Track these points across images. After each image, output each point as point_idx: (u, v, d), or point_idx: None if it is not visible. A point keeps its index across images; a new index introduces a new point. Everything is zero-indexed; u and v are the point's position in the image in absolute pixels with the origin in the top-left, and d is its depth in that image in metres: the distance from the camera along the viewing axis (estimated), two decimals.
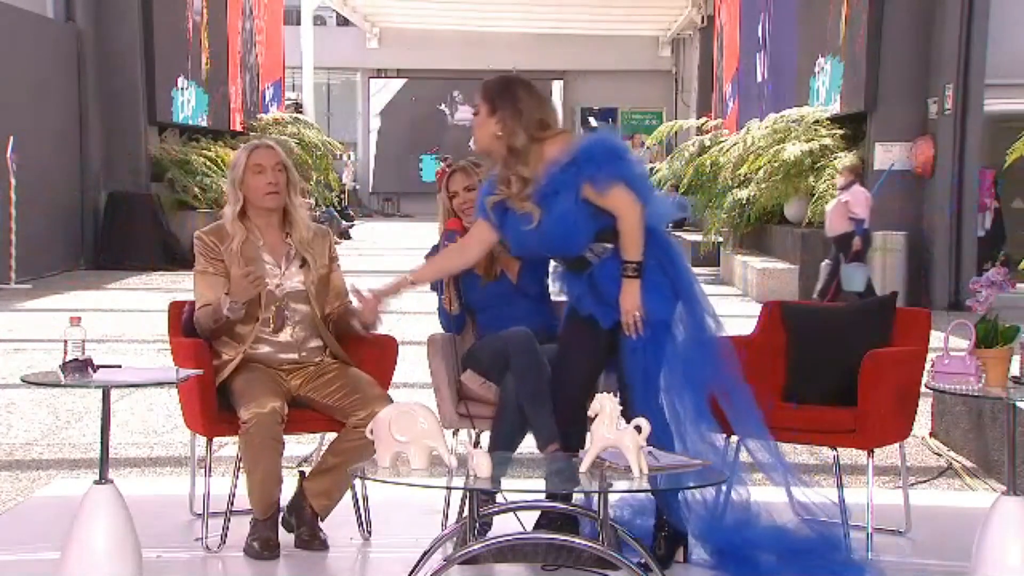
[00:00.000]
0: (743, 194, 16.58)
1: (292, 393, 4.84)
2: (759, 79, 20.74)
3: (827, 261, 13.60)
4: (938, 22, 13.93)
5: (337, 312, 5.02)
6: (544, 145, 4.43)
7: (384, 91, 36.96)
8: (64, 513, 4.54)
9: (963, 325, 4.46)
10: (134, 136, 18.43)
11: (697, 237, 20.77)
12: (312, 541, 4.78)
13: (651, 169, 21.19)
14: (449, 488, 4.33)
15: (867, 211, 13.20)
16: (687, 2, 28.90)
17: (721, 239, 18.62)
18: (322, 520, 4.82)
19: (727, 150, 17.67)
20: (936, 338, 4.98)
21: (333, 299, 5.02)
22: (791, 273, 14.89)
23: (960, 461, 6.76)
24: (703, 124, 22.09)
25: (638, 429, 3.82)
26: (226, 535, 4.76)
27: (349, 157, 34.51)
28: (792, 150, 15.62)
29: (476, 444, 4.98)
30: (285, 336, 4.90)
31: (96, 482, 4.25)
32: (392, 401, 4.68)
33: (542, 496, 4.22)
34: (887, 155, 14.49)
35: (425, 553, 4.10)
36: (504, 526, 4.56)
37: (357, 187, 36.18)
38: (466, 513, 4.14)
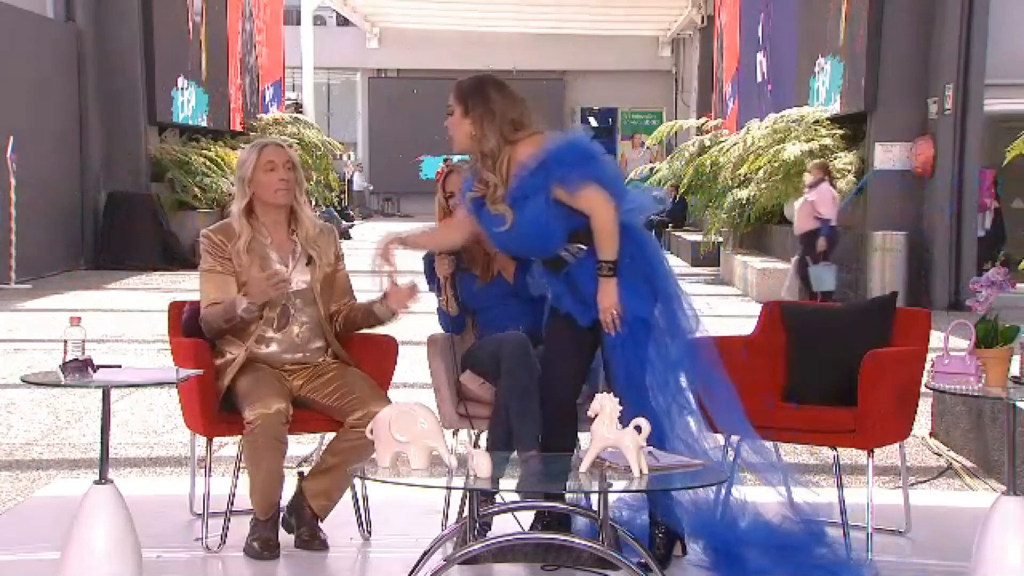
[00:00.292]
0: (743, 194, 16.58)
1: (294, 393, 4.84)
2: (759, 79, 20.75)
3: (796, 258, 13.67)
4: (938, 22, 13.93)
5: (343, 310, 5.01)
6: (516, 147, 4.44)
7: (384, 91, 36.94)
8: (64, 513, 4.54)
9: (963, 325, 4.46)
10: (134, 136, 18.44)
11: (697, 237, 20.78)
12: (312, 541, 4.78)
13: (651, 169, 21.22)
14: (449, 488, 4.33)
15: (833, 210, 13.22)
16: (687, 2, 28.90)
17: (721, 239, 18.63)
18: (321, 520, 4.81)
19: (727, 150, 17.67)
20: (936, 338, 4.98)
21: (338, 297, 5.02)
22: None
23: (960, 461, 6.76)
24: (703, 124, 22.11)
25: (638, 429, 3.82)
26: (226, 535, 4.76)
27: (350, 157, 34.50)
28: (792, 150, 15.62)
29: (476, 444, 4.98)
30: (290, 335, 4.89)
31: (96, 482, 4.24)
32: (390, 401, 4.69)
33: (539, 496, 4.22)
34: (887, 155, 14.50)
35: (425, 553, 4.10)
36: (504, 526, 4.57)
37: (370, 187, 36.15)
38: (466, 513, 4.14)
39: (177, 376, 4.53)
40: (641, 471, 3.80)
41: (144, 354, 9.86)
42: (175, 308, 5.07)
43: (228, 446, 5.96)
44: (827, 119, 16.12)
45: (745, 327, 5.53)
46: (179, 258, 17.78)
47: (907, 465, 5.27)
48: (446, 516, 4.84)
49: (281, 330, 4.88)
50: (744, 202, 16.63)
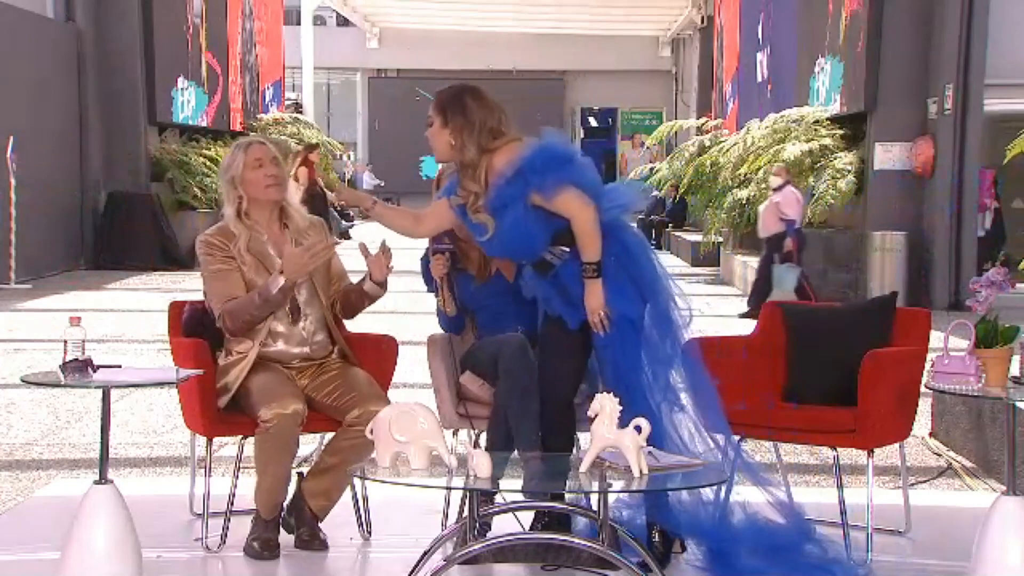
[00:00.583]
0: (743, 194, 16.57)
1: (303, 393, 4.84)
2: (759, 79, 20.74)
3: (763, 254, 13.70)
4: (938, 22, 13.93)
5: (339, 293, 5.01)
6: (494, 156, 4.47)
7: (384, 91, 36.95)
8: (64, 513, 4.54)
9: (963, 325, 4.46)
10: (134, 136, 18.43)
11: (697, 237, 20.78)
12: (312, 541, 4.78)
13: (651, 169, 21.20)
14: (449, 488, 4.33)
15: (798, 212, 13.25)
16: (687, 2, 28.89)
17: (721, 239, 18.62)
18: (321, 520, 4.82)
19: (727, 150, 17.65)
20: (936, 338, 4.98)
21: (336, 281, 5.03)
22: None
23: (960, 461, 6.76)
24: (703, 124, 22.08)
25: (638, 429, 3.82)
26: (226, 535, 4.76)
27: (350, 157, 34.47)
28: (792, 150, 15.60)
29: (476, 444, 4.98)
30: (297, 329, 4.89)
31: (96, 482, 4.25)
32: (389, 400, 4.69)
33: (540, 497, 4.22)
34: (887, 155, 14.50)
35: (425, 553, 4.10)
36: (504, 526, 4.57)
37: (381, 184, 36.05)
38: (466, 513, 4.14)
39: (177, 376, 4.53)
40: (641, 471, 3.80)
41: (144, 354, 9.86)
42: (175, 308, 5.07)
43: (228, 446, 5.95)
44: (827, 119, 16.11)
45: (745, 327, 5.53)
46: (179, 258, 17.77)
47: (907, 465, 5.28)
48: (446, 516, 4.84)
49: (295, 323, 4.87)
50: (744, 202, 16.62)
